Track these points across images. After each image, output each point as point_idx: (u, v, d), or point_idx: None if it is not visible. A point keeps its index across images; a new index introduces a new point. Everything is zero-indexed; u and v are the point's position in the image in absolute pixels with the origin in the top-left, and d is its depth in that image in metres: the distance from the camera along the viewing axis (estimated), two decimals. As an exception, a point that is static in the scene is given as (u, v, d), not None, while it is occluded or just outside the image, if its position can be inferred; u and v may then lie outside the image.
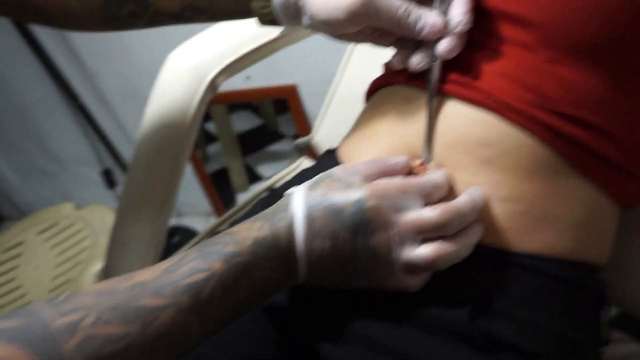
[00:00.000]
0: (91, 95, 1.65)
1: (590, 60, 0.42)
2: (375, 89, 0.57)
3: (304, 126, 1.49)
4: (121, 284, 0.36)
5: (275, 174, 0.85)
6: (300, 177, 0.58)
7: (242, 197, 2.01)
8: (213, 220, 1.99)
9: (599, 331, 0.47)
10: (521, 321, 0.42)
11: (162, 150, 0.71)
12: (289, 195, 0.44)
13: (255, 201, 0.61)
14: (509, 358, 0.42)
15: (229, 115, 1.90)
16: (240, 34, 0.70)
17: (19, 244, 1.58)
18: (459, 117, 0.45)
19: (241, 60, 0.70)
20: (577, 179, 0.44)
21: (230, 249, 0.39)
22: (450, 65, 0.46)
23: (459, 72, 0.45)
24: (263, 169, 2.12)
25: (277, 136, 2.24)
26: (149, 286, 0.36)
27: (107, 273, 0.78)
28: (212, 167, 2.04)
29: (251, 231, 0.41)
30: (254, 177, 2.08)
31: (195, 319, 0.37)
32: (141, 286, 0.36)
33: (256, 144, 2.23)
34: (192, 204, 1.90)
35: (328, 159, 0.56)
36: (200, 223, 1.99)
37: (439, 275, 0.43)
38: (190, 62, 0.70)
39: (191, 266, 0.38)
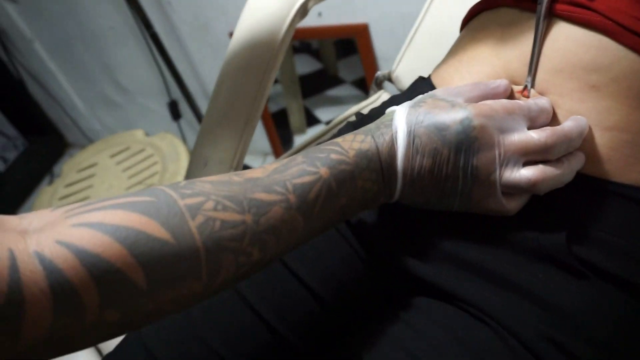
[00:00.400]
0: (162, 26, 1.68)
1: None
2: (474, 15, 0.56)
3: (371, 67, 1.48)
4: (234, 177, 0.38)
5: (334, 118, 0.85)
6: (392, 102, 0.58)
7: (299, 139, 2.03)
8: (270, 160, 2.03)
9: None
10: (618, 249, 0.42)
11: (250, 71, 0.73)
12: (392, 111, 0.45)
13: (341, 126, 0.62)
14: (603, 284, 0.42)
15: (293, 56, 1.90)
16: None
17: (93, 165, 1.66)
18: (570, 40, 0.44)
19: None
20: (689, 110, 0.43)
21: (335, 156, 0.40)
22: None
23: None
24: (321, 113, 2.13)
25: (337, 81, 2.23)
26: (261, 182, 0.38)
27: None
28: (271, 107, 2.06)
29: (354, 143, 0.42)
30: (312, 120, 2.10)
31: (302, 218, 0.38)
32: (254, 181, 0.38)
33: (315, 87, 2.23)
34: (252, 141, 1.94)
35: (422, 85, 0.56)
36: (257, 161, 2.02)
37: (536, 199, 0.44)
38: (283, -17, 0.70)
39: (300, 168, 0.39)
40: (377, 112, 0.57)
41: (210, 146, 0.77)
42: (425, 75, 0.60)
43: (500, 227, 0.45)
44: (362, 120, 0.57)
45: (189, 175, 0.80)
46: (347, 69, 2.24)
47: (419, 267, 0.48)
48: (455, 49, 0.56)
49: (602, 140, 0.43)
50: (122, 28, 1.75)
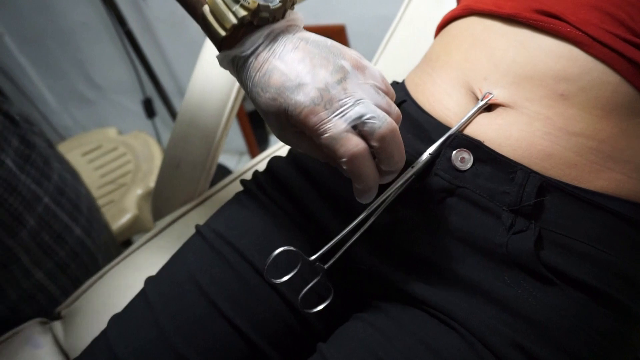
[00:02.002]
0: (137, 22, 1.65)
1: None
2: (446, 23, 0.57)
3: (348, 69, 1.48)
4: None
5: None
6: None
7: (275, 140, 2.02)
8: (245, 159, 2.02)
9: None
10: (586, 256, 0.43)
11: (222, 73, 0.72)
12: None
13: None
14: (571, 291, 0.42)
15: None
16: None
17: None
18: (541, 49, 0.45)
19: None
20: (655, 121, 0.44)
21: None
22: None
23: (547, 1, 0.45)
24: (298, 112, 2.12)
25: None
26: None
27: (157, 193, 0.80)
28: (247, 106, 2.04)
29: None
30: (289, 119, 2.09)
31: None
32: None
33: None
34: (227, 141, 1.92)
35: (396, 89, 0.56)
36: (232, 160, 2.01)
37: (503, 207, 0.44)
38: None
39: None
40: None
41: (182, 148, 0.76)
42: (400, 80, 0.60)
43: (470, 233, 0.45)
44: None
45: (161, 177, 0.79)
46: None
47: (390, 272, 0.48)
48: (429, 55, 0.56)
49: (568, 144, 0.44)
50: (95, 24, 1.72)
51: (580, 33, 0.43)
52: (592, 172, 0.44)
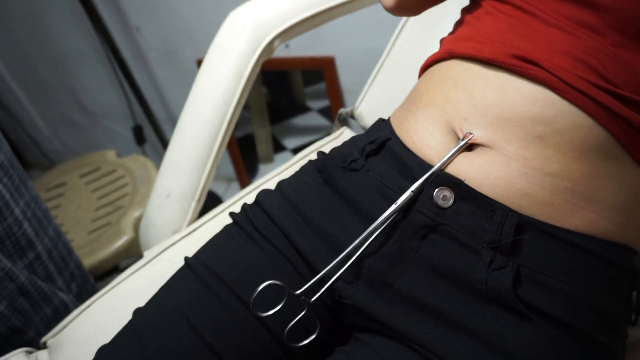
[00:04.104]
0: (129, 50, 1.67)
1: None
2: (430, 65, 0.59)
3: (337, 98, 1.51)
4: None
5: (300, 146, 0.87)
6: (352, 143, 0.60)
7: (264, 167, 2.03)
8: (234, 186, 2.03)
9: (629, 311, 0.49)
10: (562, 293, 0.44)
11: (214, 106, 0.74)
12: None
13: (303, 162, 0.63)
14: (548, 328, 0.44)
15: (261, 84, 1.92)
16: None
17: (62, 184, 1.63)
18: (518, 92, 0.47)
19: (300, 24, 0.72)
20: (627, 163, 0.46)
21: None
22: (516, 39, 0.47)
23: (524, 47, 0.47)
24: (287, 141, 2.14)
25: (304, 109, 2.25)
26: None
27: (146, 222, 0.81)
28: (237, 133, 2.06)
29: None
30: (278, 147, 2.11)
31: None
32: None
33: (282, 115, 2.25)
34: (217, 166, 1.93)
35: (382, 127, 0.58)
36: (221, 187, 2.02)
37: (483, 245, 0.46)
38: (251, 22, 0.72)
39: None
40: (339, 152, 0.59)
41: (173, 178, 0.77)
42: (385, 117, 0.62)
43: (452, 269, 0.47)
44: (323, 160, 0.59)
45: (151, 206, 0.80)
46: (314, 97, 2.27)
47: (373, 306, 0.49)
48: (413, 95, 0.58)
49: (544, 184, 0.46)
50: (87, 50, 1.74)
51: (555, 78, 0.45)
52: (567, 211, 0.46)
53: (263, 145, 2.02)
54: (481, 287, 0.45)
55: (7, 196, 0.83)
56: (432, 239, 0.48)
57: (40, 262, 0.93)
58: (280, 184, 0.60)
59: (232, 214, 0.60)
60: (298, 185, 0.59)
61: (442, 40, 0.60)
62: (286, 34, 0.73)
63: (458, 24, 0.59)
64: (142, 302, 0.55)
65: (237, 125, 2.18)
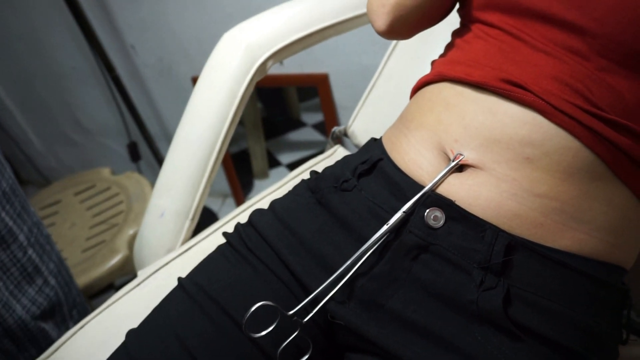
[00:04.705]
0: (125, 68, 1.68)
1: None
2: (422, 85, 0.60)
3: (331, 115, 1.52)
4: None
5: (294, 161, 0.88)
6: (345, 162, 0.60)
7: (260, 183, 2.04)
8: (229, 202, 2.03)
9: (620, 330, 0.50)
10: (552, 313, 0.45)
11: (208, 126, 0.74)
12: None
13: (296, 181, 0.64)
14: (539, 348, 0.44)
15: (256, 99, 1.93)
16: (294, 19, 0.73)
17: (56, 202, 1.62)
18: (507, 115, 0.48)
19: (293, 45, 0.73)
20: (614, 184, 0.47)
21: None
22: (505, 63, 0.48)
23: (513, 71, 0.48)
24: (282, 156, 2.15)
25: (298, 124, 2.27)
26: None
27: (140, 241, 0.81)
28: (232, 149, 2.07)
29: None
30: (273, 163, 2.12)
31: None
32: None
33: (277, 130, 2.26)
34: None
35: (374, 147, 0.59)
36: (216, 204, 2.02)
37: (474, 265, 0.46)
38: (245, 43, 0.73)
39: None
40: (332, 171, 0.60)
41: (167, 197, 0.78)
42: (378, 135, 0.63)
43: (443, 289, 0.47)
44: (316, 180, 0.60)
45: (145, 225, 0.80)
46: (308, 112, 2.28)
47: (366, 327, 0.49)
48: (404, 115, 0.59)
49: (533, 205, 0.46)
50: (83, 68, 1.75)
51: (543, 102, 0.46)
52: (556, 231, 0.46)
53: (258, 160, 2.02)
54: (472, 307, 0.45)
55: (11, 223, 0.83)
56: (424, 259, 0.48)
57: (50, 287, 0.93)
58: (273, 204, 0.61)
59: (225, 234, 0.60)
60: (291, 205, 0.59)
61: (433, 62, 0.61)
62: (279, 54, 0.75)
63: (449, 47, 0.60)
64: (135, 323, 0.55)
65: (232, 141, 2.19)
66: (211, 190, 2.00)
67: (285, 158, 2.14)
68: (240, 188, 1.89)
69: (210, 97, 0.73)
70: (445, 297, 0.47)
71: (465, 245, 0.47)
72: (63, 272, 0.99)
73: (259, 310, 0.48)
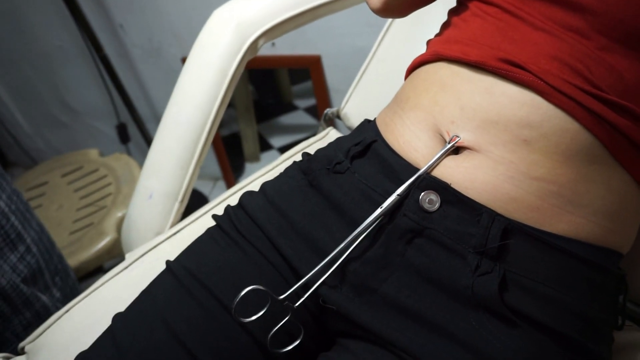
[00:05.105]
0: (113, 48, 1.65)
1: None
2: (417, 65, 0.58)
3: (323, 97, 1.50)
4: None
5: (286, 145, 0.86)
6: (337, 144, 0.59)
7: (251, 166, 2.02)
8: (220, 185, 2.01)
9: (616, 315, 0.49)
10: (548, 298, 0.44)
11: (197, 106, 0.73)
12: None
13: (287, 163, 0.62)
14: (534, 334, 0.43)
15: (248, 82, 1.91)
16: (285, -2, 0.71)
17: (43, 184, 1.60)
18: (505, 95, 0.46)
19: (285, 23, 0.71)
20: (613, 167, 0.46)
21: None
22: (503, 42, 0.47)
23: (511, 50, 0.47)
24: (274, 139, 2.14)
25: (291, 107, 2.25)
26: None
27: (128, 224, 0.79)
28: (223, 131, 2.05)
29: None
30: (265, 146, 2.10)
31: None
32: None
33: (269, 113, 2.24)
34: (201, 166, 1.91)
35: (368, 128, 0.58)
36: (207, 187, 2.00)
37: (469, 249, 0.45)
38: (235, 21, 0.71)
39: None
40: (325, 153, 0.58)
41: (155, 179, 0.76)
42: (371, 117, 0.61)
43: (438, 274, 0.46)
44: (308, 161, 0.58)
45: (133, 207, 0.78)
46: (301, 95, 2.26)
47: (358, 312, 0.48)
48: (399, 96, 0.58)
49: (530, 188, 0.45)
50: (70, 48, 1.72)
51: (542, 82, 0.45)
52: (553, 215, 0.45)
53: (249, 144, 2.01)
54: (467, 292, 0.44)
55: None
56: (418, 244, 0.47)
57: (31, 254, 0.92)
58: (264, 186, 0.59)
59: (215, 217, 0.59)
60: (282, 187, 0.58)
61: (428, 42, 0.60)
62: (271, 33, 0.72)
63: (445, 26, 0.59)
64: (123, 307, 0.54)
65: (223, 124, 2.18)
66: (202, 173, 1.99)
67: (277, 141, 2.12)
68: (231, 171, 1.88)
69: (200, 77, 0.71)
70: (440, 282, 0.46)
71: (461, 229, 0.46)
72: (44, 240, 0.98)
73: (249, 294, 0.47)
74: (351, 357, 0.47)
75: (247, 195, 0.59)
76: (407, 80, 0.60)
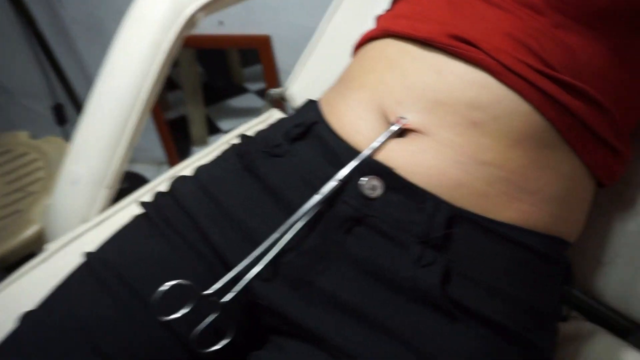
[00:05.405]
0: (49, 23, 1.55)
1: (596, 29, 0.41)
2: (363, 43, 0.55)
3: (273, 79, 1.46)
4: None
5: (235, 128, 0.81)
6: (278, 126, 0.55)
7: (198, 150, 1.95)
8: (165, 170, 1.93)
9: (561, 306, 0.47)
10: (492, 291, 0.41)
11: (127, 87, 0.66)
12: None
13: (225, 147, 0.58)
14: (475, 328, 0.41)
15: (196, 63, 1.83)
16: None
17: None
18: (454, 74, 0.43)
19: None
20: (564, 152, 0.44)
21: None
22: (454, 18, 0.44)
23: (462, 26, 0.44)
24: (223, 123, 2.07)
25: (241, 90, 2.18)
26: None
27: (53, 210, 0.73)
28: (170, 114, 1.97)
29: None
30: (213, 130, 2.03)
31: None
32: None
33: (218, 96, 2.18)
34: (145, 149, 1.83)
35: (310, 109, 0.54)
36: (151, 171, 1.92)
37: (412, 239, 0.42)
38: (170, -9, 0.65)
39: None
40: (263, 135, 0.54)
41: (82, 162, 0.70)
42: (317, 97, 0.57)
43: (378, 265, 0.43)
44: (245, 144, 0.54)
45: (57, 193, 0.72)
46: (252, 78, 2.20)
47: (291, 307, 0.44)
48: (345, 75, 0.54)
49: (478, 173, 0.42)
50: (2, 23, 1.60)
51: (493, 61, 0.42)
52: (501, 202, 0.43)
53: (197, 127, 1.93)
54: (409, 284, 0.41)
55: None
56: (358, 232, 0.44)
57: None
58: (198, 170, 0.54)
59: (142, 203, 0.54)
60: (217, 171, 0.53)
61: (378, 17, 0.56)
62: (211, 6, 0.67)
63: (395, 0, 0.55)
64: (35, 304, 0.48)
65: (170, 106, 2.10)
66: (146, 157, 1.91)
67: (226, 125, 2.06)
68: (177, 155, 1.80)
69: (131, 51, 0.65)
70: (381, 273, 0.42)
71: (404, 217, 0.43)
72: None
73: (173, 290, 0.42)
74: (284, 358, 0.43)
75: (179, 180, 0.54)
76: (354, 57, 0.56)
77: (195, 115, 1.91)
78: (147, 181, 1.84)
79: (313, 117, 0.51)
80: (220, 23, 1.38)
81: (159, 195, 0.53)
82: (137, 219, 0.53)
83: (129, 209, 0.69)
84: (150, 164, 1.91)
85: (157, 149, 1.79)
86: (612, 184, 0.48)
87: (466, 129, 0.43)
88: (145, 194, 0.71)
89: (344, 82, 0.53)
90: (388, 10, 0.55)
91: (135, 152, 1.90)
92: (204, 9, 0.68)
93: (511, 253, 0.43)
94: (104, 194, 0.68)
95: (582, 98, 0.42)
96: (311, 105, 0.54)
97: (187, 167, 0.74)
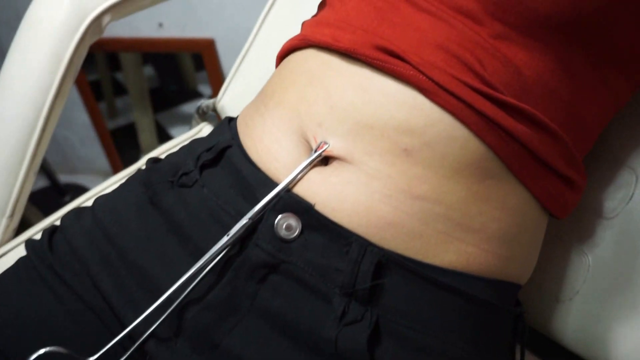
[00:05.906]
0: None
1: (541, 41, 0.35)
2: (289, 52, 0.48)
3: (219, 85, 1.38)
4: None
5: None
6: (190, 148, 0.47)
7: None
8: (112, 180, 1.84)
9: (513, 358, 0.41)
10: (428, 351, 0.35)
11: (26, 101, 0.58)
12: None
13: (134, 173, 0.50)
14: None
15: (142, 66, 1.74)
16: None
17: None
18: (382, 93, 0.37)
19: (136, -1, 0.58)
20: (509, 183, 0.38)
21: None
22: (381, 26, 0.38)
23: (389, 36, 0.37)
24: (174, 130, 1.98)
25: (194, 95, 2.10)
26: None
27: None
28: (117, 122, 1.87)
29: None
30: (164, 138, 1.94)
31: None
32: None
33: (170, 101, 2.09)
34: (88, 160, 1.73)
35: (225, 129, 0.46)
36: (95, 182, 1.82)
37: (335, 290, 0.36)
38: (70, -7, 0.56)
39: None
40: (172, 161, 0.46)
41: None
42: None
43: (295, 323, 0.36)
44: (150, 171, 0.46)
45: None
46: (207, 81, 2.12)
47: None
48: (265, 90, 0.47)
49: (411, 210, 0.36)
50: None
51: (424, 78, 0.35)
52: (439, 243, 0.36)
53: (146, 134, 1.84)
54: (329, 348, 0.34)
55: None
56: (273, 282, 0.37)
57: None
58: (95, 202, 0.47)
59: (27, 243, 0.46)
60: (117, 203, 0.45)
61: (303, 23, 0.49)
62: (120, 9, 0.59)
63: (321, 5, 0.49)
64: None
65: (118, 113, 2.00)
66: (90, 168, 1.80)
67: (178, 132, 1.97)
68: (123, 165, 1.71)
69: (27, 63, 0.57)
70: (298, 333, 0.36)
71: (326, 263, 0.36)
72: None
73: (48, 357, 0.35)
74: None
75: (72, 214, 0.46)
76: (276, 70, 0.49)
77: (144, 122, 1.81)
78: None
79: (226, 140, 0.44)
80: (160, 25, 1.30)
81: (47, 233, 0.45)
82: (19, 263, 0.45)
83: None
84: (95, 174, 1.81)
85: (100, 160, 1.70)
86: (566, 216, 0.42)
87: (397, 158, 0.36)
88: (55, 222, 0.62)
89: (263, 97, 0.46)
90: (314, 16, 0.49)
91: (77, 162, 1.79)
92: (112, 10, 0.59)
93: (451, 304, 0.36)
94: (5, 224, 0.60)
95: (528, 122, 0.36)
96: (228, 125, 0.47)
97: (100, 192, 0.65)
